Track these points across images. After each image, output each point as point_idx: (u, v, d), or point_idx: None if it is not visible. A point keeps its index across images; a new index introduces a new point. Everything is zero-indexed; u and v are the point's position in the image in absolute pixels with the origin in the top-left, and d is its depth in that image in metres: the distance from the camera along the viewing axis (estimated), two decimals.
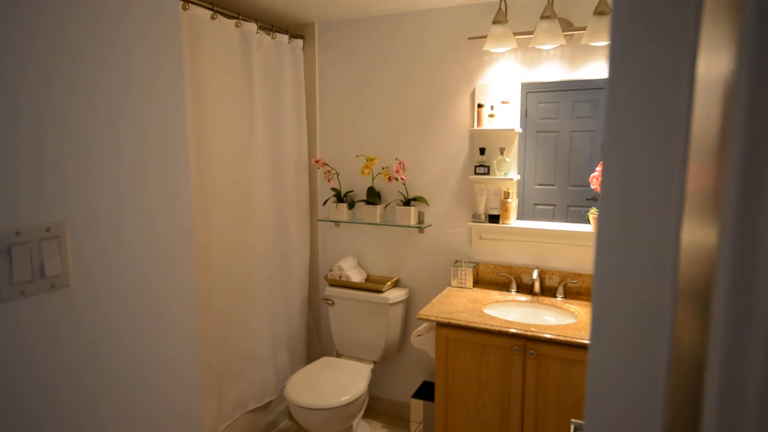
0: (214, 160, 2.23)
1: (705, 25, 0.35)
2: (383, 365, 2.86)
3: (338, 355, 2.81)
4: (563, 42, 2.11)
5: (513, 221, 2.38)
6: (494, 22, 2.18)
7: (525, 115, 2.33)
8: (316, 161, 2.81)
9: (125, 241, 0.97)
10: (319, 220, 2.94)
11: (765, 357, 0.34)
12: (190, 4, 2.03)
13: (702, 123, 0.37)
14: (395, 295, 2.62)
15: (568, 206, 2.32)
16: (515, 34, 2.21)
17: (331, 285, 2.74)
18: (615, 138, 0.38)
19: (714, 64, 0.37)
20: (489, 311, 2.18)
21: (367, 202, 2.70)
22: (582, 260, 2.27)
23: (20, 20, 0.77)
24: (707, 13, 0.36)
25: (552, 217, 2.36)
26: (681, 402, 0.43)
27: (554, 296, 2.28)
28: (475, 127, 2.41)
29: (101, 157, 0.91)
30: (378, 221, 2.68)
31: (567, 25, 2.14)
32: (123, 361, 0.97)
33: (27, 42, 0.78)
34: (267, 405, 2.67)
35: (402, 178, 2.57)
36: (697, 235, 0.38)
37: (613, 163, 0.38)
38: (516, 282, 2.40)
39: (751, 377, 0.35)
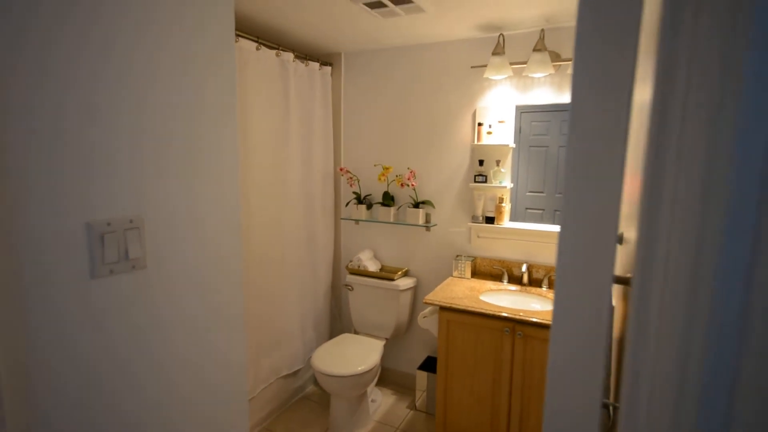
0: (256, 166, 2.25)
1: (638, 66, 0.39)
2: (394, 341, 2.87)
3: (356, 333, 2.82)
4: (552, 71, 2.12)
5: (506, 222, 2.39)
6: (493, 54, 2.20)
7: (519, 132, 2.34)
8: (341, 169, 2.83)
9: (188, 231, 0.99)
10: (342, 219, 2.95)
11: (660, 328, 0.37)
12: (239, 38, 2.08)
13: (634, 139, 0.40)
14: (405, 283, 2.64)
15: (555, 211, 2.32)
16: (511, 63, 2.23)
17: (351, 273, 2.75)
18: (574, 156, 0.41)
19: (642, 94, 0.40)
20: (484, 298, 2.19)
21: (383, 204, 2.72)
22: None
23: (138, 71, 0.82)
24: (640, 57, 0.39)
25: (541, 220, 2.36)
26: (610, 357, 0.46)
27: (540, 287, 2.29)
28: (476, 142, 2.42)
29: (172, 163, 0.93)
30: (391, 220, 2.69)
31: (555, 57, 2.16)
32: (186, 328, 1.00)
33: (142, 98, 0.83)
34: (296, 372, 2.69)
35: (412, 185, 2.59)
36: (630, 234, 0.41)
37: (571, 175, 0.41)
38: (508, 274, 2.41)
39: (652, 342, 0.38)
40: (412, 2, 1.87)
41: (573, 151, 0.44)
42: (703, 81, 0.34)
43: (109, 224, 0.81)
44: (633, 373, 0.45)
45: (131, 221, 0.85)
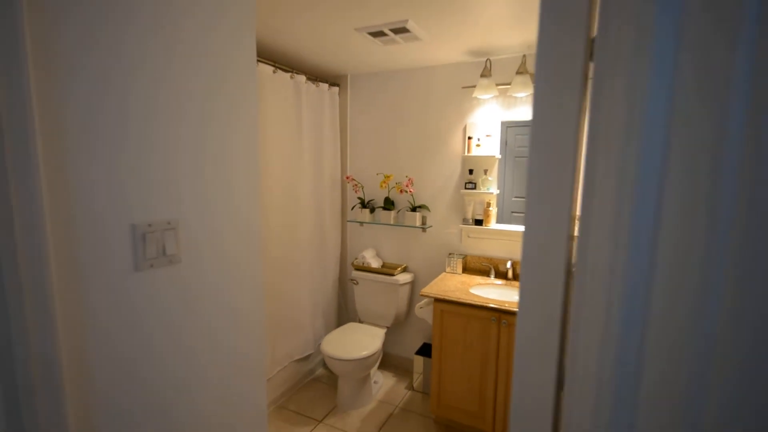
0: (272, 174, 2.29)
1: (584, 95, 0.44)
2: (393, 329, 2.89)
3: (360, 322, 2.84)
4: (533, 91, 2.17)
5: (493, 224, 2.43)
6: (482, 76, 2.26)
7: (505, 144, 2.38)
8: (347, 177, 2.87)
9: (216, 232, 1.02)
10: (348, 221, 2.98)
11: (588, 312, 0.42)
12: (259, 63, 2.14)
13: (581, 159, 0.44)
14: (404, 278, 2.66)
15: None
16: (497, 84, 2.28)
17: (356, 269, 2.78)
18: (534, 167, 0.46)
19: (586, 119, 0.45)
20: (473, 291, 2.22)
21: (384, 208, 2.75)
22: None
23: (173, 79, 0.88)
24: (587, 86, 0.45)
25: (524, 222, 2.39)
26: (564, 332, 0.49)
27: None
28: (466, 153, 2.46)
29: (203, 172, 0.97)
30: (392, 222, 2.72)
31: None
32: (216, 313, 1.03)
33: (179, 101, 0.90)
34: (307, 357, 2.72)
35: (410, 191, 2.64)
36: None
37: (532, 185, 0.45)
38: (495, 270, 2.44)
39: (582, 319, 0.43)
40: (409, 32, 1.93)
41: (533, 166, 0.49)
42: (614, 120, 0.40)
43: (150, 225, 0.87)
44: (572, 354, 0.49)
45: (168, 223, 0.91)
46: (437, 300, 2.12)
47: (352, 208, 2.92)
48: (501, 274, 2.43)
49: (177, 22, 0.90)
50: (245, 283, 1.13)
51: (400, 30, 1.91)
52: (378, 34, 1.97)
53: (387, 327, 2.72)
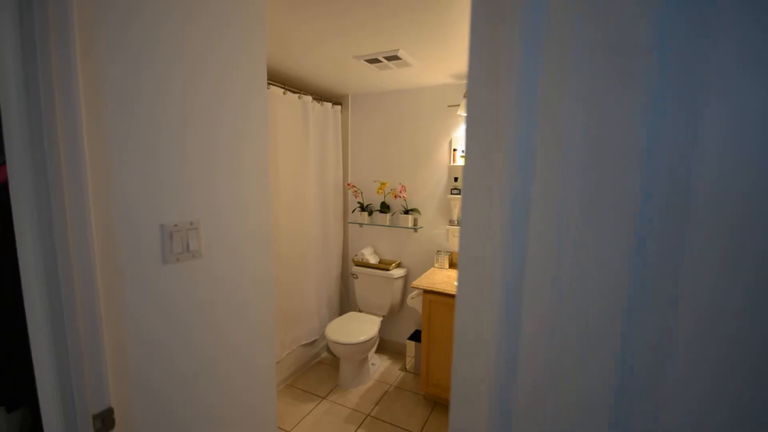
0: (283, 181, 2.31)
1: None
2: (389, 318, 2.90)
3: (360, 311, 2.86)
4: None
5: None
6: (464, 96, 2.29)
7: None
8: (348, 184, 2.89)
9: (233, 231, 1.04)
10: (349, 223, 2.99)
11: (478, 300, 0.41)
12: (271, 86, 2.17)
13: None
14: (398, 272, 2.68)
15: None
16: None
17: (356, 265, 2.79)
18: (467, 177, 0.45)
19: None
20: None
21: (381, 211, 2.77)
22: None
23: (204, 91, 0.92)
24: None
25: None
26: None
27: None
28: (451, 163, 2.49)
29: (220, 178, 0.99)
30: (387, 224, 2.74)
31: None
32: (234, 303, 1.06)
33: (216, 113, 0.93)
34: (313, 342, 2.73)
35: (403, 196, 2.66)
36: None
37: (466, 194, 0.45)
38: None
39: (471, 309, 0.43)
40: (400, 59, 1.97)
41: (465, 173, 0.47)
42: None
43: (176, 225, 0.90)
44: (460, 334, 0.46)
45: (191, 223, 0.94)
46: (426, 291, 2.13)
47: (353, 211, 2.94)
48: None
49: (201, 54, 0.94)
50: (260, 277, 1.15)
51: (393, 57, 1.95)
52: (373, 60, 2.01)
53: (383, 316, 2.74)
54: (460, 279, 0.41)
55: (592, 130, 0.25)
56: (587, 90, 0.25)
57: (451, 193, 2.48)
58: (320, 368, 2.70)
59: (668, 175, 0.24)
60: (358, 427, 2.07)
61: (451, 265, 2.57)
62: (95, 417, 0.75)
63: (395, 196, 2.68)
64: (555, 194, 0.28)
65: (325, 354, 2.89)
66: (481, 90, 0.31)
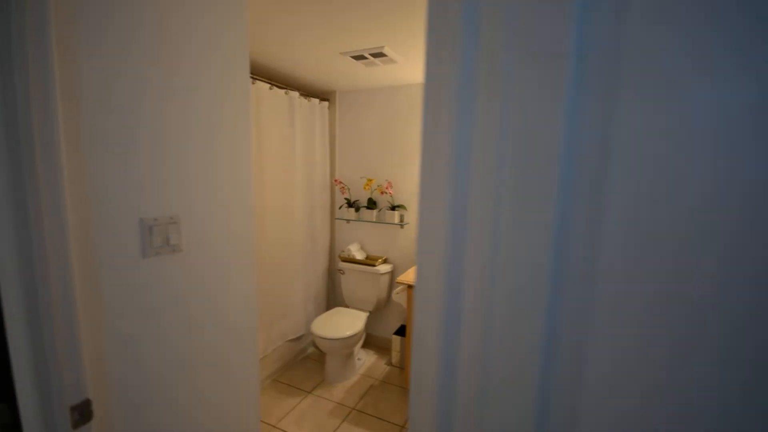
0: (270, 180, 2.31)
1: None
2: (375, 313, 2.93)
3: (346, 306, 2.89)
4: None
5: None
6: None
7: None
8: (335, 181, 2.90)
9: (214, 226, 1.05)
10: (336, 219, 3.00)
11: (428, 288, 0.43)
12: (256, 81, 2.17)
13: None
14: (384, 268, 2.70)
15: None
16: None
17: (343, 261, 2.81)
18: (423, 179, 0.47)
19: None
20: None
21: (367, 208, 2.78)
22: None
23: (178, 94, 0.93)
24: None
25: None
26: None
27: None
28: None
29: (201, 174, 1.00)
30: (374, 220, 2.75)
31: None
32: (214, 297, 1.06)
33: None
34: (300, 337, 2.74)
35: (390, 192, 2.68)
36: None
37: (421, 195, 0.46)
38: None
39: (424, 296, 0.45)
40: (386, 56, 1.99)
41: (422, 171, 0.48)
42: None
43: (155, 219, 0.90)
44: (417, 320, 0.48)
45: (171, 218, 0.94)
46: (411, 287, 2.15)
47: (340, 208, 2.95)
48: None
49: (179, 48, 0.94)
50: (239, 270, 1.16)
51: (378, 54, 1.96)
52: (359, 57, 2.02)
53: (369, 311, 2.76)
54: (416, 271, 0.43)
55: (519, 127, 0.28)
56: (515, 91, 0.28)
57: None
58: (307, 363, 2.71)
59: (584, 168, 0.27)
60: (343, 421, 2.10)
61: None
62: (73, 409, 0.76)
63: (382, 193, 2.70)
64: (490, 187, 0.31)
65: (312, 349, 2.91)
66: (431, 90, 0.33)
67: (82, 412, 0.78)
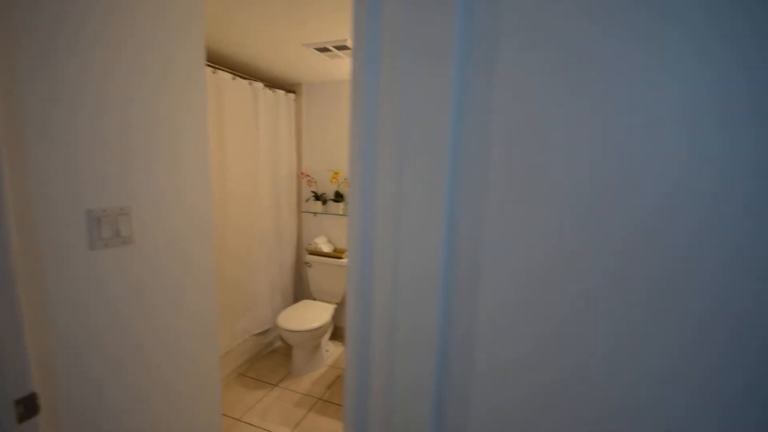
0: (233, 172, 2.27)
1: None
2: (343, 305, 2.93)
3: (313, 299, 2.89)
4: None
5: None
6: None
7: None
8: (302, 173, 2.89)
9: (167, 218, 1.04)
10: (303, 212, 3.00)
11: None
12: (218, 70, 2.12)
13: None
14: None
15: None
16: None
17: (310, 254, 2.81)
18: (353, 176, 0.52)
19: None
20: None
21: (334, 201, 2.80)
22: None
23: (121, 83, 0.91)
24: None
25: None
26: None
27: None
28: None
29: (153, 164, 0.98)
30: (341, 213, 2.77)
31: None
32: (171, 288, 1.06)
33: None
34: (266, 331, 2.73)
35: None
36: None
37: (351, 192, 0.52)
38: None
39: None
40: (350, 48, 2.00)
41: (351, 166, 0.47)
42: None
43: (104, 210, 0.89)
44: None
45: (122, 209, 0.93)
46: None
47: (307, 201, 2.95)
48: None
49: (124, 36, 0.92)
50: (196, 261, 1.16)
51: (342, 47, 1.98)
52: (323, 49, 2.02)
53: (337, 303, 2.79)
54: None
55: (414, 120, 0.32)
56: (412, 85, 0.32)
57: None
58: (274, 357, 2.71)
59: (468, 157, 0.31)
60: (309, 411, 2.13)
61: None
62: (17, 402, 0.75)
63: (348, 186, 2.71)
64: (392, 184, 0.35)
65: (279, 343, 2.90)
66: (353, 90, 0.37)
67: (27, 405, 0.77)
